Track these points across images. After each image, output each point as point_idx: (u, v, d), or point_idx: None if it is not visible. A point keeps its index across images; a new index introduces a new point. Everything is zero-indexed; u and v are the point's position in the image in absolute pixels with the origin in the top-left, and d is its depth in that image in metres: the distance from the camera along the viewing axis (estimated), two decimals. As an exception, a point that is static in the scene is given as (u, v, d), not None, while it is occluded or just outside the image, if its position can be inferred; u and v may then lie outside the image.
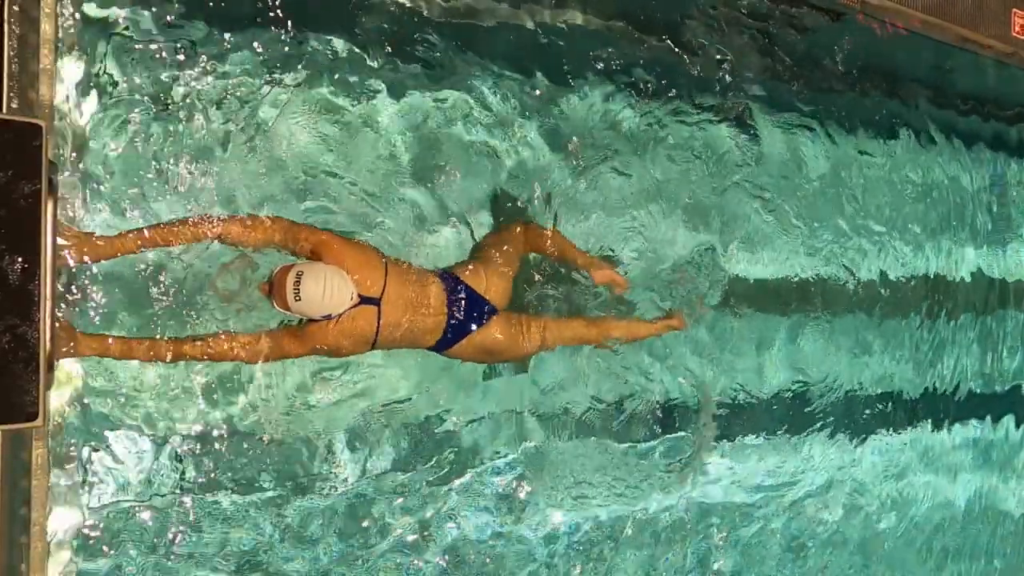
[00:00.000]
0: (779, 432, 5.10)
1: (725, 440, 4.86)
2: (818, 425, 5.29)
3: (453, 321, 3.60)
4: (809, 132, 5.22)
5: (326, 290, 3.18)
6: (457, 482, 4.01)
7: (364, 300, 3.35)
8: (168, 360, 3.24)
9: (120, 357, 3.18)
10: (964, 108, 6.12)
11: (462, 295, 3.62)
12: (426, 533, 3.94)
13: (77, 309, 3.21)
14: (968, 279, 6.18)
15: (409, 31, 3.86)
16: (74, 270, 3.17)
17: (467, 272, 3.70)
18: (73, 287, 3.19)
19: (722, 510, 4.87)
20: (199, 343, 3.24)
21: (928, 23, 5.57)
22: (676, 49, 4.65)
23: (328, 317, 3.27)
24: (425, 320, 3.53)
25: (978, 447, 6.30)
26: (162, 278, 3.34)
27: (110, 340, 3.15)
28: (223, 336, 3.29)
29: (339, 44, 3.70)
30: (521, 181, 4.13)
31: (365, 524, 3.80)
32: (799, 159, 5.16)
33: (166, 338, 3.26)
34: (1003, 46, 6.02)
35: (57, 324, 3.00)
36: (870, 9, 5.27)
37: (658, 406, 4.58)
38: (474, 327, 3.63)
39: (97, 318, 3.26)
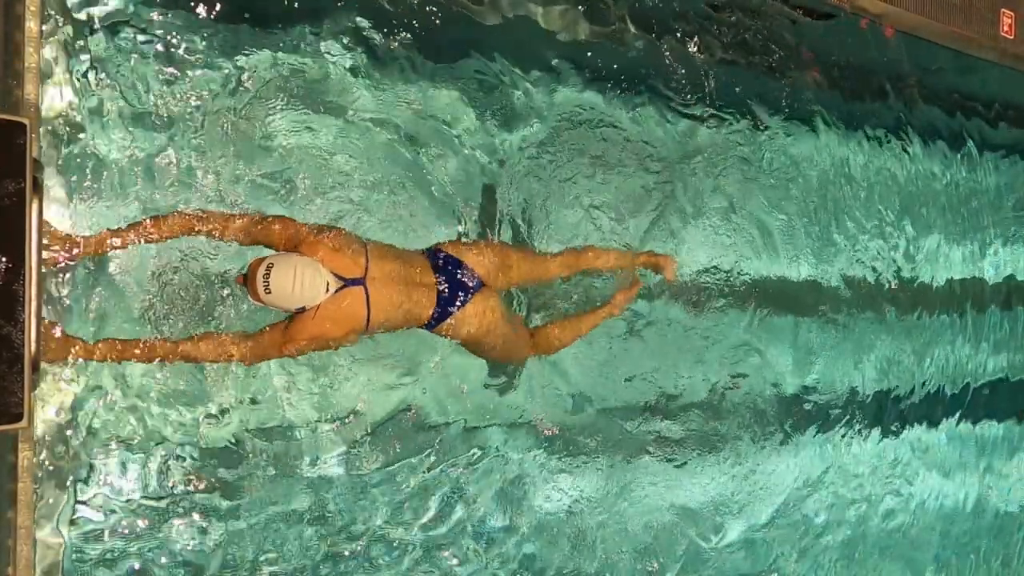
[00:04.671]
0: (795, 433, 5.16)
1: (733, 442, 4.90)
2: (837, 425, 5.37)
3: (443, 290, 3.59)
4: (820, 133, 5.27)
5: (295, 282, 3.15)
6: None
7: (349, 282, 3.33)
8: (157, 361, 3.22)
9: (107, 359, 3.16)
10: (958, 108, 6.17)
11: (448, 265, 3.63)
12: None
13: (64, 311, 3.18)
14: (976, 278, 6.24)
15: (400, 24, 3.87)
16: (61, 271, 3.14)
17: (452, 245, 3.73)
18: (60, 288, 3.17)
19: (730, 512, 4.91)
20: (190, 344, 3.22)
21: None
22: (674, 47, 4.69)
23: (302, 310, 3.24)
24: (415, 295, 3.51)
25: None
26: (147, 278, 3.33)
27: (96, 342, 3.14)
28: (214, 336, 3.27)
29: (329, 38, 3.70)
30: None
31: (365, 527, 3.80)
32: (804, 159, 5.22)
33: (154, 339, 3.23)
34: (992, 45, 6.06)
35: (42, 327, 2.98)
36: (859, 9, 5.29)
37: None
38: (462, 298, 3.63)
39: (83, 320, 3.23)
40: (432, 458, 3.95)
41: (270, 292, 3.16)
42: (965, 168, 6.15)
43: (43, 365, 3.03)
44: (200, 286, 3.41)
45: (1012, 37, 6.14)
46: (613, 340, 4.43)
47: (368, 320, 3.39)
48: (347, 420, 3.76)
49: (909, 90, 5.79)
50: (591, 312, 4.23)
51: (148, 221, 3.17)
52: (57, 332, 3.09)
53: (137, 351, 3.16)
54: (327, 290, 3.22)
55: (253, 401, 3.54)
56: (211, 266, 3.42)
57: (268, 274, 3.16)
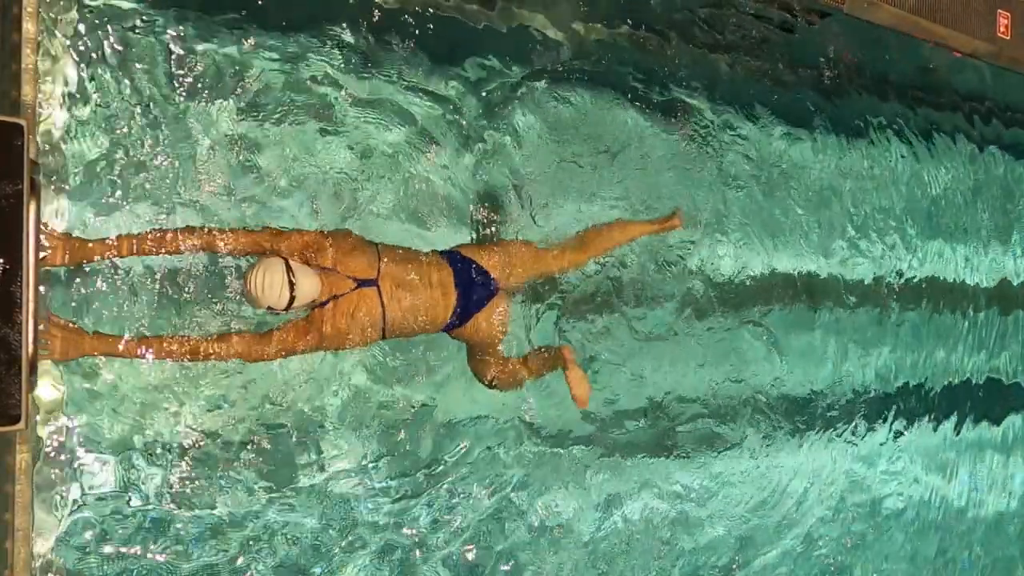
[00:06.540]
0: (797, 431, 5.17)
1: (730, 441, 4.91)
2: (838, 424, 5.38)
3: (461, 295, 3.63)
4: (820, 134, 5.29)
5: (252, 285, 3.20)
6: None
7: (361, 283, 3.41)
8: (175, 359, 3.24)
9: (126, 356, 3.17)
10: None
11: (465, 268, 3.67)
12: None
13: (81, 309, 3.19)
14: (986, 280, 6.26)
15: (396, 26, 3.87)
16: (84, 269, 3.16)
17: (470, 249, 3.78)
18: (77, 286, 3.18)
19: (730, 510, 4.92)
20: (207, 342, 3.24)
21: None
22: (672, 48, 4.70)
23: (271, 309, 3.26)
24: (431, 296, 3.56)
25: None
26: (167, 277, 3.34)
27: (116, 339, 3.15)
28: (230, 335, 3.29)
29: (328, 40, 3.71)
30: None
31: (364, 528, 3.80)
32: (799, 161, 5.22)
33: (172, 337, 3.24)
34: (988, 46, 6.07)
35: (66, 324, 3.04)
36: (855, 9, 5.29)
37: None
38: (480, 301, 3.69)
39: (100, 317, 3.24)
40: (439, 470, 3.98)
41: (242, 294, 3.29)
42: (966, 168, 6.17)
43: (43, 365, 3.03)
44: (215, 284, 3.43)
45: (1009, 38, 6.15)
46: (616, 343, 4.44)
47: (384, 320, 3.45)
48: (361, 426, 3.80)
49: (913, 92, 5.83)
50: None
51: (162, 233, 3.18)
52: (80, 330, 3.10)
53: (151, 349, 3.17)
54: (291, 293, 3.22)
55: (261, 403, 3.56)
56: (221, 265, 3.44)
57: (242, 278, 3.27)
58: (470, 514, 4.04)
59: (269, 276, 3.18)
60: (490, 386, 3.97)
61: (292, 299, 3.22)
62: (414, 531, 3.90)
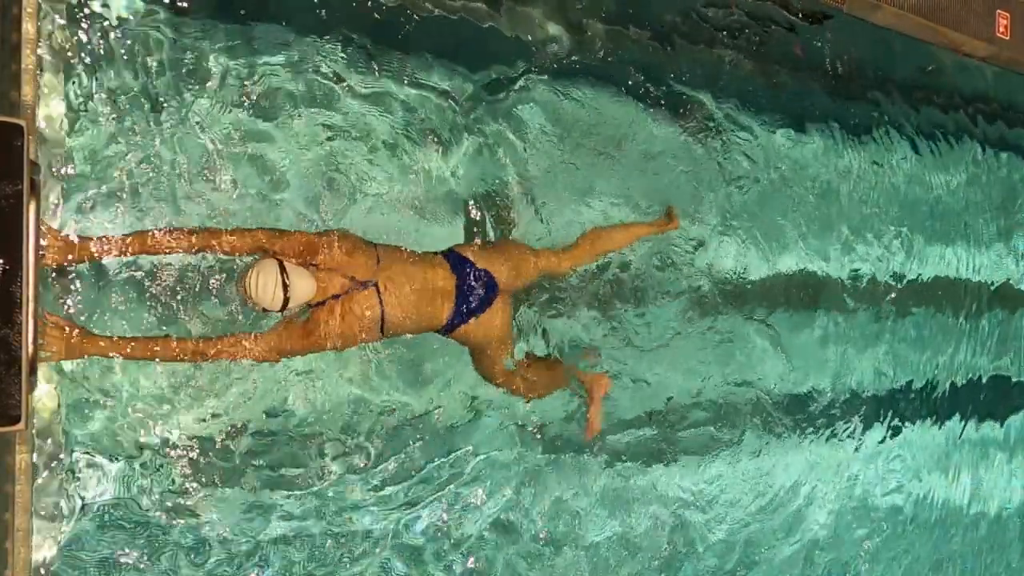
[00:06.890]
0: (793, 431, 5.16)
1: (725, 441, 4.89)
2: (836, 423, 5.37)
3: (461, 296, 3.65)
4: (819, 136, 5.28)
5: (247, 286, 3.22)
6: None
7: (361, 284, 3.42)
8: (176, 360, 3.24)
9: (129, 357, 3.18)
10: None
11: (466, 269, 3.68)
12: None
13: (79, 309, 3.20)
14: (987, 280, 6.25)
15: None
16: (83, 269, 3.17)
17: (471, 249, 3.78)
18: (75, 286, 3.18)
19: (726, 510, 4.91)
20: (205, 343, 3.26)
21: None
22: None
23: (267, 310, 3.28)
24: (430, 296, 3.57)
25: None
26: (167, 277, 3.35)
27: (119, 340, 3.16)
28: (229, 336, 3.30)
29: (330, 41, 3.71)
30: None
31: (361, 530, 3.79)
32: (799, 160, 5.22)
33: (175, 338, 3.25)
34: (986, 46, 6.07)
35: (66, 325, 3.05)
36: (855, 9, 5.30)
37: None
38: (480, 303, 3.69)
39: (100, 318, 3.24)
40: (440, 476, 3.97)
41: (240, 295, 3.33)
42: (968, 169, 6.16)
43: (45, 366, 3.03)
44: (214, 284, 3.43)
45: (1008, 38, 6.15)
46: (618, 344, 4.43)
47: (383, 319, 3.46)
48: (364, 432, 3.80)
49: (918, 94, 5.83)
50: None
51: (161, 233, 3.19)
52: (82, 329, 3.11)
53: (156, 349, 3.19)
54: (285, 294, 3.22)
55: (261, 409, 3.56)
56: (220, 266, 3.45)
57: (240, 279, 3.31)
58: (471, 520, 4.03)
59: (263, 277, 3.19)
60: (498, 386, 3.99)
61: (286, 300, 3.23)
62: (415, 537, 3.89)
